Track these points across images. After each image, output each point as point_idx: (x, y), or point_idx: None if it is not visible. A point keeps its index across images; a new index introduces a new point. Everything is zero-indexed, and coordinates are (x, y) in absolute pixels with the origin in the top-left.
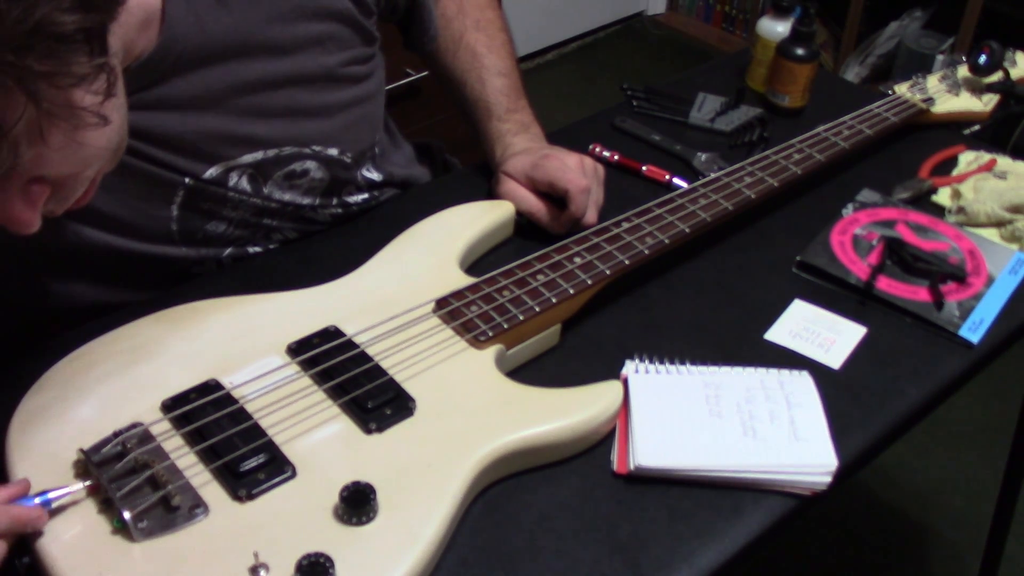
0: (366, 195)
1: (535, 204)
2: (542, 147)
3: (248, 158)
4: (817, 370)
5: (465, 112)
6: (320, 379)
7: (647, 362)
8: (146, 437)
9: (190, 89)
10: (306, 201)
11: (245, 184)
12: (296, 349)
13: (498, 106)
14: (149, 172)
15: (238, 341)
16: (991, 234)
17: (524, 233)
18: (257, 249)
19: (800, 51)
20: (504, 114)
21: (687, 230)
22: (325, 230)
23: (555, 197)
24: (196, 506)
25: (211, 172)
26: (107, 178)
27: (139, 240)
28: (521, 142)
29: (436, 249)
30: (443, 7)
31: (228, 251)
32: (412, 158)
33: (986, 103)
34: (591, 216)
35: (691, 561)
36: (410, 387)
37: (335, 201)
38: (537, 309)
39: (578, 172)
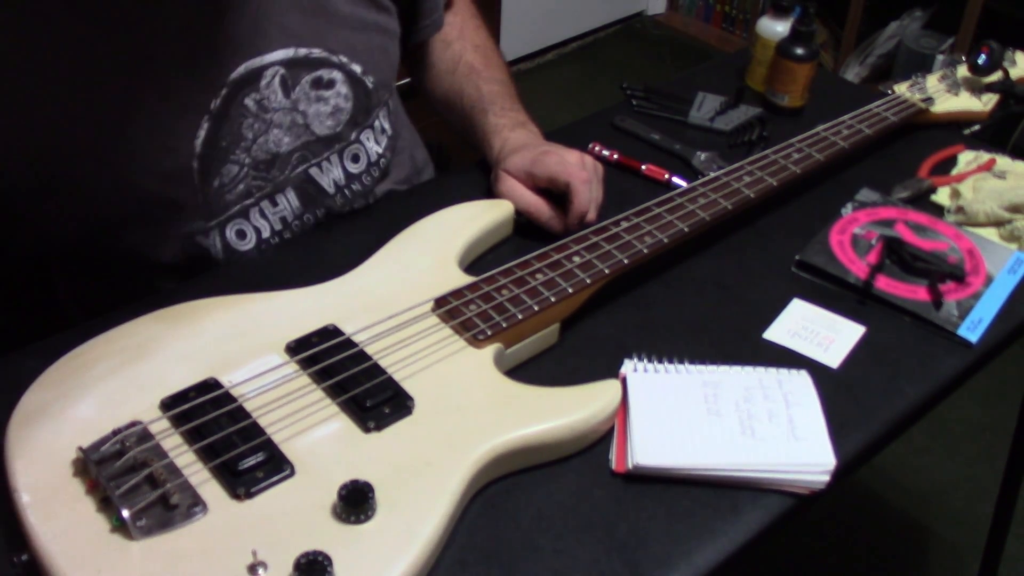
0: (379, 149)
1: (535, 202)
2: (541, 143)
3: (280, 54)
4: (816, 369)
5: (463, 121)
6: (319, 378)
7: (646, 361)
8: (145, 435)
9: None
10: (328, 127)
11: (277, 86)
12: (295, 348)
13: (494, 104)
14: (181, 87)
15: (237, 340)
16: (990, 233)
17: (523, 232)
18: (263, 224)
19: (800, 51)
20: (500, 111)
21: (686, 229)
22: (324, 224)
23: (555, 195)
24: (195, 504)
25: (242, 70)
26: (142, 98)
27: (158, 180)
28: (519, 137)
29: (435, 248)
30: (445, 32)
31: (234, 224)
32: (420, 144)
33: (985, 103)
34: (591, 214)
35: (689, 560)
36: (409, 386)
37: (354, 136)
38: (536, 308)
39: (579, 166)
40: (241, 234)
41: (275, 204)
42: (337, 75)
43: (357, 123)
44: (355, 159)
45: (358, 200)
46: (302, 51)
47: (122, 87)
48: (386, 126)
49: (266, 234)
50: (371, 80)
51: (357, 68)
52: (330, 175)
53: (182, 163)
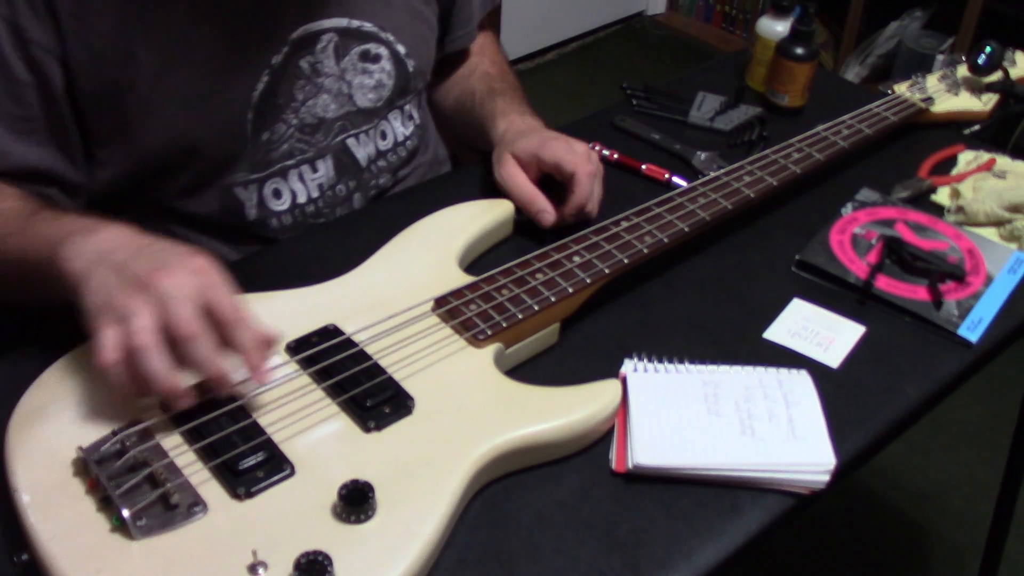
0: (406, 132)
1: (530, 192)
2: (548, 131)
3: (335, 22)
4: (816, 369)
5: (470, 115)
6: (319, 377)
7: (646, 361)
8: (145, 435)
9: None
10: (370, 100)
11: (331, 52)
12: (295, 347)
13: (504, 95)
14: (247, 39)
15: None
16: (990, 233)
17: (523, 232)
18: (299, 188)
19: (799, 50)
20: (508, 101)
21: (686, 229)
22: (324, 224)
23: (553, 188)
24: (195, 504)
25: (301, 31)
26: (209, 45)
27: (214, 126)
28: (526, 121)
29: (435, 248)
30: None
31: (273, 182)
32: (442, 143)
33: (985, 103)
34: (590, 205)
35: (689, 559)
36: (409, 385)
37: (388, 112)
38: (536, 308)
39: (585, 158)
40: (277, 193)
41: (315, 170)
42: (383, 51)
43: (393, 102)
44: (383, 136)
45: (383, 175)
46: (355, 23)
47: (190, 33)
48: (415, 114)
49: (301, 199)
50: (412, 64)
51: (401, 49)
52: (365, 148)
53: (239, 112)
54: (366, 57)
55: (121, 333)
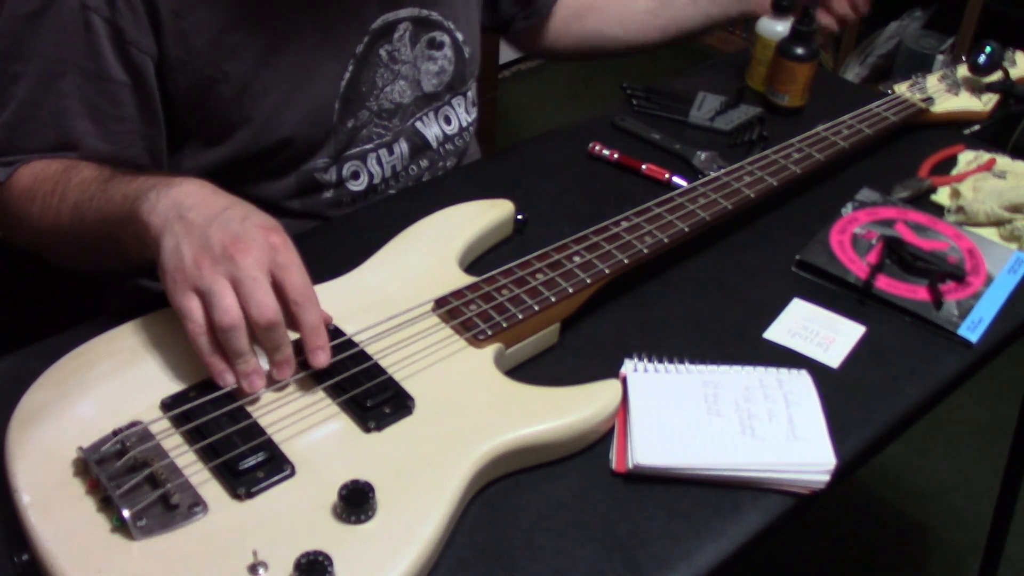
0: (468, 119)
1: None
2: None
3: (408, 11)
4: (816, 369)
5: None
6: (319, 378)
7: (646, 361)
8: (145, 435)
9: None
10: (432, 85)
11: (407, 40)
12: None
13: None
14: (334, 30)
15: None
16: (990, 233)
17: (523, 232)
18: (376, 170)
19: (800, 50)
20: None
21: (686, 229)
22: (324, 225)
23: None
24: (195, 504)
25: (380, 21)
26: (299, 36)
27: (302, 116)
28: None
29: (435, 248)
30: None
31: (352, 164)
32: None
33: (985, 103)
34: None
35: (689, 559)
36: (409, 386)
37: (447, 98)
38: (536, 308)
39: None
40: (355, 175)
41: (391, 152)
42: (446, 39)
43: (453, 87)
44: (447, 121)
45: (450, 158)
46: (424, 12)
47: (287, 26)
48: (475, 102)
49: (377, 180)
50: (468, 50)
51: (460, 36)
52: (431, 129)
53: (328, 101)
54: (432, 44)
55: (205, 307)
